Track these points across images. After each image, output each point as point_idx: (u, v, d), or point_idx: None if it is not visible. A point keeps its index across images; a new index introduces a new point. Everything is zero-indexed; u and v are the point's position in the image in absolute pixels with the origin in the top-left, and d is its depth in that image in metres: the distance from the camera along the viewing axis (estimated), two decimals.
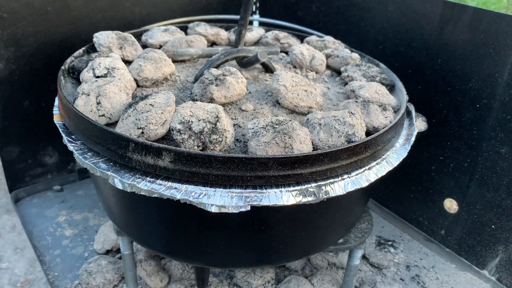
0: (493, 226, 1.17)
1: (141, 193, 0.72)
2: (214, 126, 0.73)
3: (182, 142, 0.72)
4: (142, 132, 0.74)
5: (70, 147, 0.80)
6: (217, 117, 0.74)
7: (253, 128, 0.76)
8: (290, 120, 0.76)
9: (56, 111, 0.89)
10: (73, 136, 0.82)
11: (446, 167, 1.24)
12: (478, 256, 1.23)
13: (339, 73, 1.08)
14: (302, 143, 0.74)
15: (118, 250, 1.23)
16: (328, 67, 1.09)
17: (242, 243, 0.82)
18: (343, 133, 0.77)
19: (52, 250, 1.25)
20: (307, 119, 0.81)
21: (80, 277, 1.12)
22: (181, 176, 0.70)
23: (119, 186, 0.73)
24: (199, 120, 0.73)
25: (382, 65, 1.09)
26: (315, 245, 0.89)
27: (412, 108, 0.98)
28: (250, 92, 0.93)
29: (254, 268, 1.10)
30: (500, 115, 1.08)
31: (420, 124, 0.96)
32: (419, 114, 0.99)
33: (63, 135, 0.82)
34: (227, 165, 0.69)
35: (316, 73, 1.06)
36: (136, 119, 0.74)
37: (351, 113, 0.80)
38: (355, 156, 0.75)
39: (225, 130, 0.74)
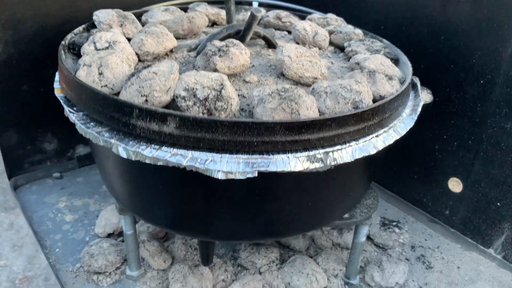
0: (498, 204, 1.16)
1: (146, 161, 0.71)
2: (219, 93, 0.72)
3: (187, 109, 0.71)
4: (146, 100, 0.73)
5: (72, 117, 0.78)
6: (221, 84, 0.73)
7: (258, 95, 0.75)
8: (296, 88, 0.75)
9: (57, 85, 0.87)
10: (75, 108, 0.80)
11: (449, 146, 1.23)
12: (484, 235, 1.22)
13: (342, 50, 1.07)
14: (308, 109, 0.73)
15: (119, 234, 1.22)
16: (331, 43, 1.07)
17: (248, 214, 0.81)
18: (350, 100, 0.76)
19: (52, 235, 1.23)
20: (313, 88, 0.80)
21: (82, 259, 1.10)
22: (186, 142, 0.69)
23: (123, 154, 0.72)
24: (203, 87, 0.72)
25: (385, 40, 1.08)
26: (321, 218, 0.88)
27: (417, 80, 0.97)
28: (253, 66, 0.92)
29: (260, 241, 1.09)
30: (504, 90, 1.07)
31: (425, 96, 0.95)
32: (424, 87, 0.98)
33: (65, 106, 0.81)
34: (233, 130, 0.67)
35: (319, 49, 1.05)
36: (140, 87, 0.73)
37: (358, 81, 0.79)
38: (362, 123, 0.74)
39: (230, 97, 0.73)
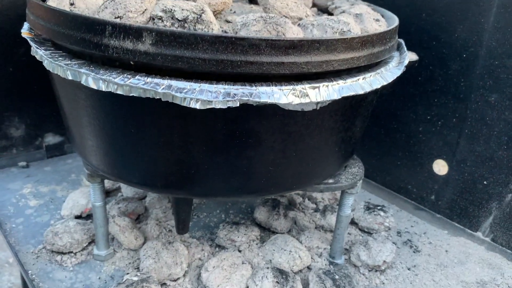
0: (485, 182, 1.13)
1: (118, 91, 0.65)
2: (199, 16, 0.68)
3: None
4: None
5: (39, 53, 0.72)
6: (202, 10, 0.69)
7: (242, 21, 0.71)
8: (282, 17, 0.72)
9: (24, 29, 0.82)
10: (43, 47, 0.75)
11: (434, 126, 1.20)
12: (471, 218, 1.18)
13: (325, 12, 1.04)
14: (295, 35, 0.70)
15: (87, 217, 1.13)
16: (314, 5, 1.05)
17: (228, 161, 0.75)
18: (338, 29, 0.73)
19: (14, 218, 1.14)
20: (299, 23, 0.77)
21: (45, 237, 1.01)
22: (163, 61, 0.63)
23: (93, 85, 0.66)
24: (182, 10, 0.68)
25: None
26: (306, 174, 0.83)
27: (402, 41, 0.95)
28: (234, 12, 0.88)
29: (239, 197, 1.02)
30: (487, 61, 1.06)
31: (411, 55, 0.93)
32: (409, 51, 0.96)
33: (32, 43, 0.75)
34: (215, 46, 0.62)
35: None
36: (114, 9, 0.69)
37: (345, 17, 0.77)
38: (351, 51, 0.70)
39: (211, 22, 0.69)
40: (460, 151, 1.16)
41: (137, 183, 0.82)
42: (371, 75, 0.76)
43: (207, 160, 0.74)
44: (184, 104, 0.64)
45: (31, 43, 0.75)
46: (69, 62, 0.69)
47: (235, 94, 0.64)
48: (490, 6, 1.03)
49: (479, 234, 1.17)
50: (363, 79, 0.74)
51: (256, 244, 1.05)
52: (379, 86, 0.76)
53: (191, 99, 0.64)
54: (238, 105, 0.64)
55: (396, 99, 1.26)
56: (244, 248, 1.02)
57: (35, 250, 1.02)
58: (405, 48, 0.92)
